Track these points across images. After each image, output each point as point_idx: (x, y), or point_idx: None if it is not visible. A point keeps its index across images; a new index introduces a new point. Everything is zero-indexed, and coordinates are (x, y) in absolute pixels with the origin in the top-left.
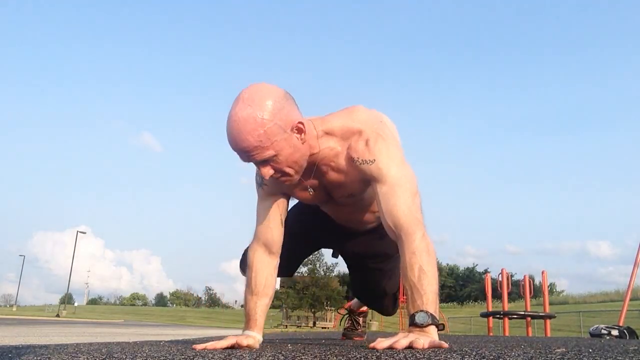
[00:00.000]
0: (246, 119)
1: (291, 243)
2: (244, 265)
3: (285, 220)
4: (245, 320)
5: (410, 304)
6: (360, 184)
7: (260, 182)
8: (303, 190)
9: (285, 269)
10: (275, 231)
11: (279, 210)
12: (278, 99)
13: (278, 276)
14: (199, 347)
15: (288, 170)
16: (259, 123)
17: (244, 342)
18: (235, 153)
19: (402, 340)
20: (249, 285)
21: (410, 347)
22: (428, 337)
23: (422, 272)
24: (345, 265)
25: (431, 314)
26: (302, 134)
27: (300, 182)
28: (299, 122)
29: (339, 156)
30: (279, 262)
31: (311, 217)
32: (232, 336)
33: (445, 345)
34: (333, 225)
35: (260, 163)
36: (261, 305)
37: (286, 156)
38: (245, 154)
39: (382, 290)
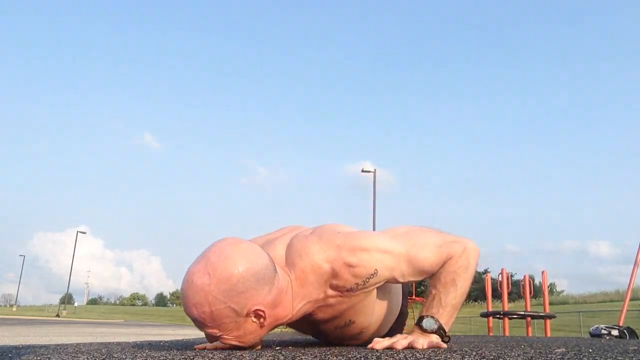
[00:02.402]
0: (197, 290)
1: None
2: None
3: None
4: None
5: (425, 306)
6: (346, 308)
7: None
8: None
9: None
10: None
11: None
12: (244, 277)
13: None
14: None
15: (238, 344)
16: (208, 300)
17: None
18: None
19: (401, 341)
20: None
21: (409, 347)
22: (427, 338)
23: (453, 285)
24: None
25: (440, 324)
26: (261, 319)
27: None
28: (258, 310)
29: (325, 299)
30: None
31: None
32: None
33: (444, 345)
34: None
35: (212, 336)
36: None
37: (235, 336)
38: (192, 317)
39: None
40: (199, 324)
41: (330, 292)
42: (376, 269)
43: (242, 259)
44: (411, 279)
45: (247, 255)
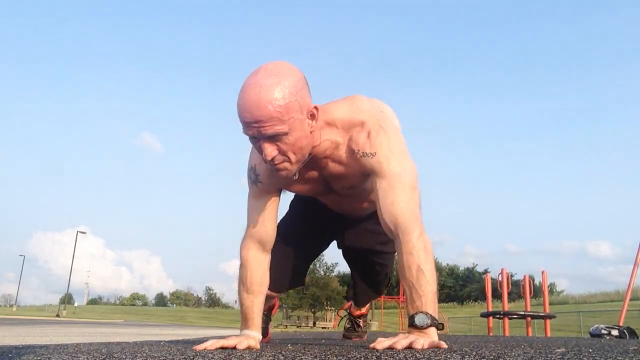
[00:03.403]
0: (269, 87)
1: (301, 235)
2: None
3: (286, 218)
4: (243, 319)
5: (409, 305)
6: (361, 176)
7: (255, 179)
8: (301, 183)
9: (298, 275)
10: (269, 229)
11: (272, 208)
12: (300, 78)
13: (289, 288)
14: (199, 347)
15: (291, 156)
16: (282, 94)
17: (245, 343)
18: (243, 123)
19: (402, 341)
20: (244, 283)
21: (409, 347)
22: (428, 338)
23: (420, 272)
24: (346, 265)
25: (430, 315)
26: (314, 121)
27: (297, 174)
28: (314, 107)
29: (340, 148)
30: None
31: (311, 206)
32: (232, 337)
33: (445, 345)
34: (333, 213)
35: (268, 139)
36: (258, 304)
37: (295, 139)
38: (258, 123)
39: (382, 278)
40: (273, 121)
41: (348, 143)
42: (387, 161)
43: (290, 65)
44: (383, 195)
45: (291, 65)
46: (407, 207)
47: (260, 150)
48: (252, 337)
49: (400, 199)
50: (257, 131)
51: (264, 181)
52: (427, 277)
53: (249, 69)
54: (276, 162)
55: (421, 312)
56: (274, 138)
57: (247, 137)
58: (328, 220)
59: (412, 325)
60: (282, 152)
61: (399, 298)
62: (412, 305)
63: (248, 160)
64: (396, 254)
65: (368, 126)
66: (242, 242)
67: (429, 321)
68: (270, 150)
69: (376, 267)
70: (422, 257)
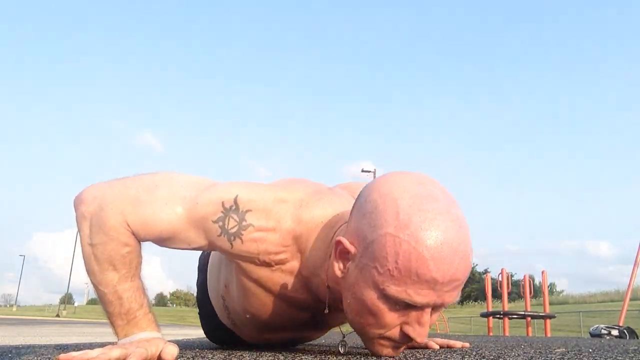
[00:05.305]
0: (464, 240)
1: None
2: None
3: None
4: (129, 317)
5: None
6: None
7: (234, 230)
8: (290, 321)
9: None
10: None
11: (186, 247)
12: None
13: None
14: (63, 356)
15: None
16: (470, 253)
17: (168, 354)
18: (436, 283)
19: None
20: (124, 263)
21: (426, 347)
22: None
23: None
24: None
25: None
26: None
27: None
28: None
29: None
30: None
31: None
32: (115, 347)
33: (436, 346)
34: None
35: (438, 309)
36: (144, 289)
37: None
38: (455, 284)
39: None
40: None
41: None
42: None
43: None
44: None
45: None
46: None
47: (392, 321)
48: (155, 340)
49: None
50: (441, 296)
51: (237, 248)
52: None
53: (250, 68)
54: (407, 345)
55: None
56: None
57: (246, 138)
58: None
59: None
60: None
61: None
62: None
63: (250, 188)
64: None
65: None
66: (110, 206)
67: None
68: (433, 318)
69: None
70: None
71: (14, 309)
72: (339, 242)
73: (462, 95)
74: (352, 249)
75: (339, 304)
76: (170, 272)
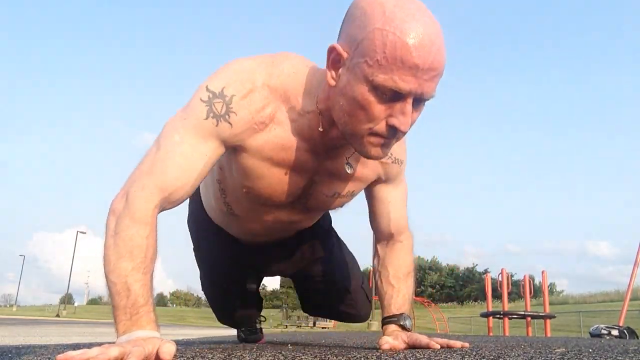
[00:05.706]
0: (439, 35)
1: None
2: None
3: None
4: (132, 313)
5: (396, 304)
6: (365, 184)
7: (221, 112)
8: (287, 167)
9: (251, 311)
10: (192, 185)
11: (208, 163)
12: None
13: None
14: (62, 356)
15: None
16: (444, 47)
17: (166, 353)
18: (413, 66)
19: (422, 340)
20: (137, 255)
21: (427, 347)
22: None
23: (410, 276)
24: None
25: (409, 316)
26: None
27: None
28: None
29: None
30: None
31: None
32: (112, 346)
33: (437, 346)
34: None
35: (418, 101)
36: (151, 287)
37: (420, 113)
38: (430, 73)
39: (345, 291)
40: (440, 77)
41: None
42: (403, 172)
43: None
44: (395, 205)
45: None
46: (406, 217)
47: (379, 113)
48: (152, 339)
49: (405, 211)
50: (421, 85)
51: (236, 123)
52: (412, 279)
53: None
54: (396, 138)
55: (408, 315)
56: (421, 103)
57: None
58: (252, 258)
59: (401, 326)
60: (414, 121)
61: None
62: (400, 306)
63: (213, 77)
64: (380, 249)
65: None
66: (133, 188)
67: (409, 323)
68: (415, 115)
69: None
70: (412, 261)
71: (14, 309)
72: (332, 49)
73: (462, 92)
74: (344, 54)
75: (332, 141)
76: (170, 272)
